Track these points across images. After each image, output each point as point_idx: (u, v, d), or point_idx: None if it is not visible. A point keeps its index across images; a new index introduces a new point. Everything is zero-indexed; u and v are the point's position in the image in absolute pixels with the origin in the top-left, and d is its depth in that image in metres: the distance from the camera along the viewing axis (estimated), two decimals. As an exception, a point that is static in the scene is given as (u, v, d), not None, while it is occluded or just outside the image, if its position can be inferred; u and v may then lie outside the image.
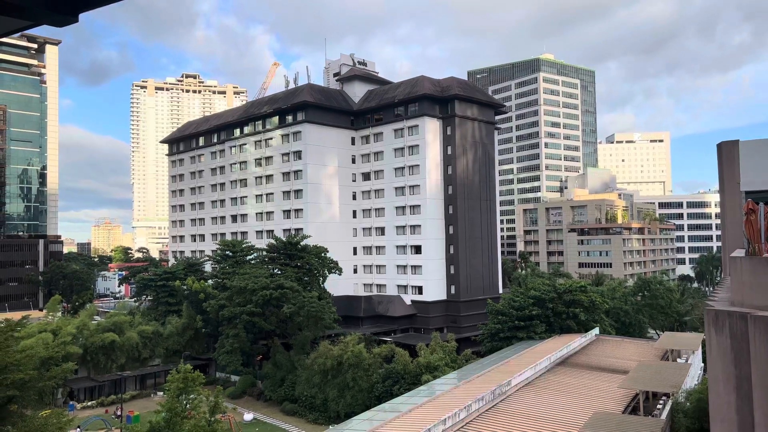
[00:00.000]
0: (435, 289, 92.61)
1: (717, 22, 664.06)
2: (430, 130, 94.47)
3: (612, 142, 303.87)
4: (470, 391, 41.32)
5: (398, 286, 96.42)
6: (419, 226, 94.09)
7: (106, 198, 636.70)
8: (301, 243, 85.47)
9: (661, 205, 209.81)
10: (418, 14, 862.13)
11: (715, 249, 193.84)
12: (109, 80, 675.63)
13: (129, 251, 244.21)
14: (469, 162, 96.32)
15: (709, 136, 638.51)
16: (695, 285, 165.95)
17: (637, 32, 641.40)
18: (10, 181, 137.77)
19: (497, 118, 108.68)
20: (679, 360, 53.24)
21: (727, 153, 24.13)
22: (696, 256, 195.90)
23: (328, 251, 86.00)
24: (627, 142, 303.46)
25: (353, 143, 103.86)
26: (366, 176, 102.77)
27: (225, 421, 57.13)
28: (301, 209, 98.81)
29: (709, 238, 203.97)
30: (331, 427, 50.37)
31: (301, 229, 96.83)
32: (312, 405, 66.35)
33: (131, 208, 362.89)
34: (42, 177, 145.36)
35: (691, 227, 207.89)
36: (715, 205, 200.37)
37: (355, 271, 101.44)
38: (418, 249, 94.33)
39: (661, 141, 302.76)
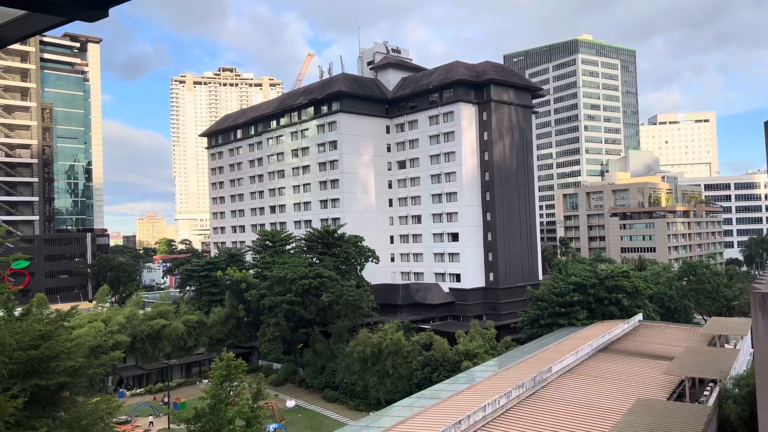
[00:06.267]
0: (473, 277, 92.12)
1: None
2: (466, 116, 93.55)
3: (654, 124, 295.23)
4: (510, 378, 41.06)
5: (436, 273, 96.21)
6: (456, 213, 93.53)
7: (149, 191, 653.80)
8: (338, 232, 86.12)
9: (707, 187, 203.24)
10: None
11: (765, 231, 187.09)
12: (146, 74, 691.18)
13: (172, 243, 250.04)
14: (506, 147, 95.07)
15: (760, 113, 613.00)
16: (744, 269, 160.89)
17: (685, 4, 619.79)
18: (58, 177, 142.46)
19: (535, 101, 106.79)
20: (726, 346, 51.79)
21: (776, 131, 23.16)
22: (745, 238, 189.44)
23: (364, 240, 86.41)
24: (670, 123, 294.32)
25: (388, 132, 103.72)
26: (401, 164, 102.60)
27: (268, 407, 58.27)
28: (338, 199, 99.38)
29: (758, 220, 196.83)
30: (372, 413, 50.84)
31: (338, 218, 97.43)
32: (352, 392, 67.07)
33: (173, 201, 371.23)
34: (88, 172, 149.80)
35: (739, 209, 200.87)
36: (765, 185, 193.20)
37: (393, 259, 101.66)
38: (455, 236, 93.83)
39: (706, 121, 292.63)
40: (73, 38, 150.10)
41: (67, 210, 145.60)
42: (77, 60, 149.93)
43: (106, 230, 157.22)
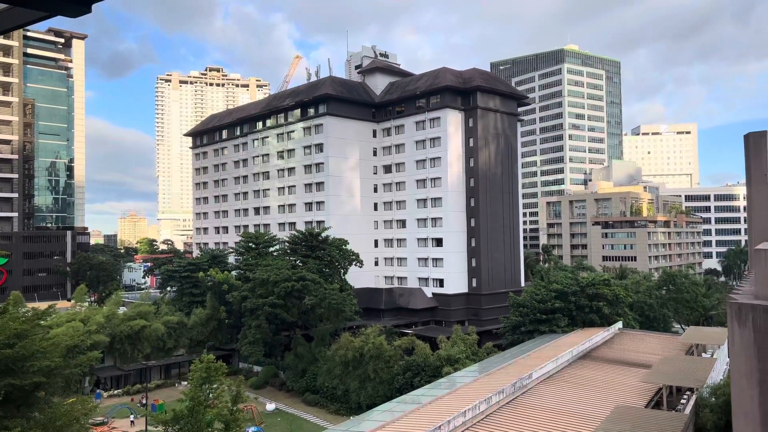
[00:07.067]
0: (456, 282, 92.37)
1: (754, 5, 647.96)
2: (452, 122, 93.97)
3: (638, 134, 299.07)
4: (491, 384, 41.19)
5: (419, 278, 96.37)
6: (440, 218, 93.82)
7: (131, 190, 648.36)
8: (323, 235, 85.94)
9: (688, 198, 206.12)
10: (441, 0, 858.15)
11: (743, 243, 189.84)
12: (131, 72, 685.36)
13: (154, 243, 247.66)
14: (492, 154, 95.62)
15: (741, 126, 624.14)
16: (722, 279, 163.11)
17: (670, 17, 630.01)
18: (39, 173, 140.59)
19: (520, 109, 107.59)
20: (704, 355, 52.45)
21: (755, 144, 23.56)
22: (723, 249, 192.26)
23: (348, 243, 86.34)
24: (653, 134, 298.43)
25: (375, 136, 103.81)
26: (387, 169, 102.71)
27: (247, 410, 57.87)
28: (323, 202, 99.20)
29: (737, 232, 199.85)
30: (352, 417, 50.69)
31: (323, 221, 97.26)
32: (333, 396, 66.86)
33: (156, 200, 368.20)
34: (69, 170, 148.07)
35: (718, 220, 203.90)
36: (744, 197, 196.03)
37: (377, 263, 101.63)
38: (439, 242, 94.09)
39: (688, 133, 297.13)
40: (58, 34, 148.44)
41: (47, 207, 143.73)
42: (61, 56, 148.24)
43: (86, 228, 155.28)
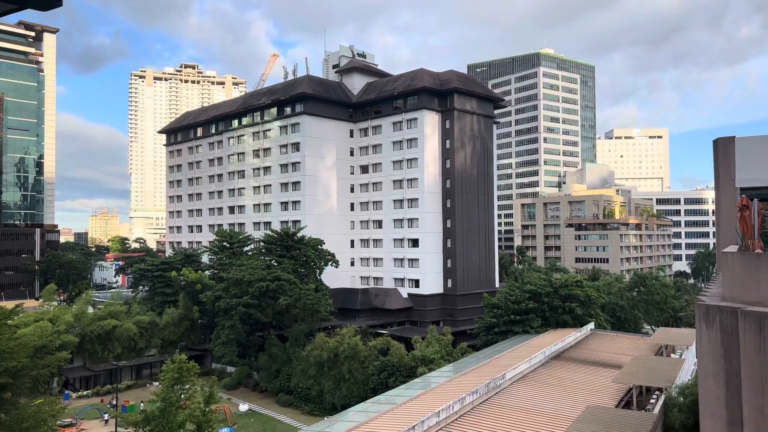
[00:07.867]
0: (432, 283, 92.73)
1: (725, 13, 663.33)
2: (429, 123, 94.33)
3: (611, 138, 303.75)
4: (465, 384, 41.45)
5: (395, 279, 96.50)
6: (417, 219, 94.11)
7: (103, 187, 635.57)
8: (299, 235, 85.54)
9: (659, 201, 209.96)
10: (420, 1, 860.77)
11: (711, 245, 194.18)
12: (103, 67, 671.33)
13: (126, 241, 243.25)
14: (468, 156, 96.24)
15: (712, 131, 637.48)
16: (691, 281, 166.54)
17: (644, 23, 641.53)
18: (7, 169, 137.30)
19: (496, 112, 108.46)
20: (673, 355, 53.46)
21: (723, 149, 24.06)
22: (693, 252, 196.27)
23: (324, 243, 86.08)
24: (626, 137, 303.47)
25: (352, 136, 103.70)
26: (364, 169, 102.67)
27: (220, 411, 57.29)
28: (299, 201, 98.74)
29: (706, 235, 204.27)
30: (326, 418, 50.50)
31: (299, 221, 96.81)
32: (307, 397, 66.55)
33: (128, 198, 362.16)
34: (39, 166, 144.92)
35: (688, 223, 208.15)
36: (712, 201, 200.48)
37: (353, 263, 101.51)
38: (415, 242, 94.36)
39: (660, 137, 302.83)
40: (28, 27, 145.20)
41: (15, 204, 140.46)
42: (32, 50, 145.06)
43: (56, 226, 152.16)
